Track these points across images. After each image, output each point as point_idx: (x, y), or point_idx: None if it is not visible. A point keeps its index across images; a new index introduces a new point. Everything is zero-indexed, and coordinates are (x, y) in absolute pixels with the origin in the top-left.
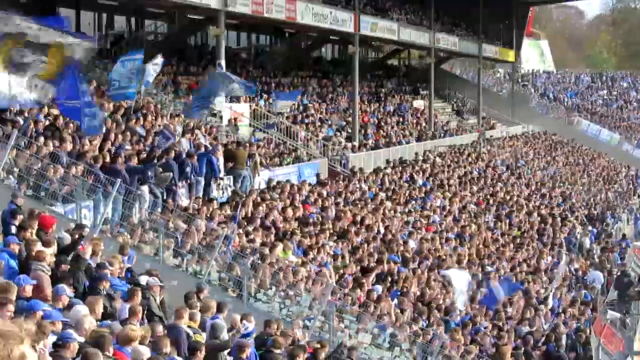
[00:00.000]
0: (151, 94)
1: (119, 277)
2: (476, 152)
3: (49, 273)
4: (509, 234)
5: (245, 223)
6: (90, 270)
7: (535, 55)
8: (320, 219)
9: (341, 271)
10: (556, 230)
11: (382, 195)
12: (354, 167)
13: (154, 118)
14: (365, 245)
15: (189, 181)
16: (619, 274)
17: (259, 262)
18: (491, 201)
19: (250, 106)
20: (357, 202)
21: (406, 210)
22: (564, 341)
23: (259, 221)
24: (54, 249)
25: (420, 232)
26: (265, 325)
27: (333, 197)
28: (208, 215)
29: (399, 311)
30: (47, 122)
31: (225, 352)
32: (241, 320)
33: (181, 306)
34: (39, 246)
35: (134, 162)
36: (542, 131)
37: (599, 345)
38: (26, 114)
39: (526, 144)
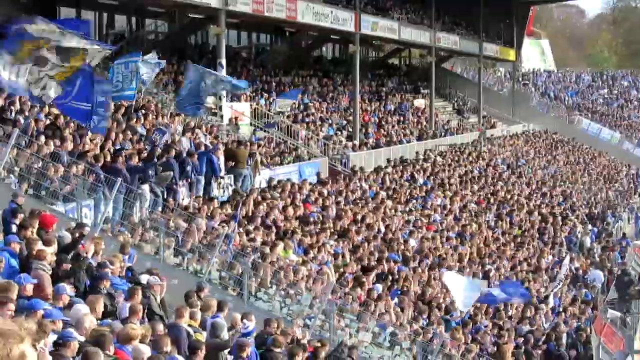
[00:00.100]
0: (152, 93)
1: (119, 276)
2: (477, 151)
3: (50, 272)
4: (510, 232)
5: (246, 222)
6: (91, 269)
7: (536, 54)
8: (320, 218)
9: (341, 270)
10: (557, 229)
11: (383, 194)
12: (355, 166)
13: (154, 117)
14: (366, 244)
15: (189, 180)
16: (619, 273)
17: (260, 261)
18: (492, 200)
19: (250, 105)
20: (358, 201)
21: (407, 209)
22: (564, 340)
23: (259, 220)
24: (54, 248)
25: (421, 231)
26: (265, 324)
27: (334, 196)
28: (209, 214)
29: (399, 310)
30: (48, 121)
31: (226, 351)
32: (242, 319)
33: (182, 305)
34: (39, 245)
35: (135, 161)
36: (542, 130)
37: (600, 344)
38: (27, 113)
39: (527, 142)
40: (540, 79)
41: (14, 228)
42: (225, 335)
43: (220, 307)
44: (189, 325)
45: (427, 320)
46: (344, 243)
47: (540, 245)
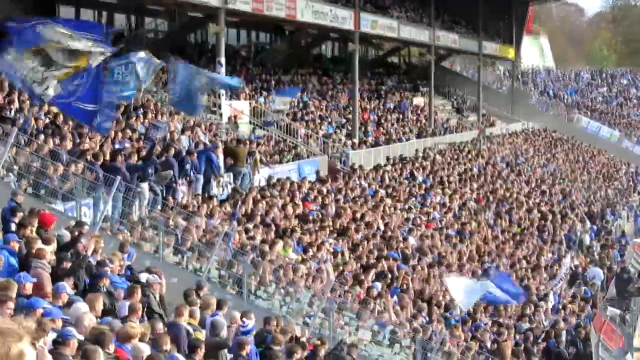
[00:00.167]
0: (151, 92)
1: (119, 274)
2: (476, 149)
3: (49, 271)
4: (509, 230)
5: (245, 220)
6: (91, 268)
7: (535, 52)
8: (320, 216)
9: (341, 268)
10: (556, 227)
11: (382, 192)
12: (354, 164)
13: (153, 116)
14: (365, 242)
15: (188, 178)
16: (618, 270)
17: (259, 259)
18: (491, 198)
19: (250, 104)
20: (357, 199)
21: (406, 207)
22: (564, 337)
23: (259, 218)
24: (53, 246)
25: (420, 229)
26: (264, 323)
27: (333, 194)
28: (208, 213)
29: (398, 308)
30: (47, 120)
31: (225, 349)
32: (241, 317)
33: (181, 304)
34: (39, 244)
35: (134, 159)
36: (542, 128)
37: (599, 341)
38: (26, 112)
39: (526, 141)
40: (539, 77)
41: (13, 227)
42: (224, 333)
43: (219, 306)
44: (189, 324)
45: (427, 318)
46: (344, 241)
47: (540, 243)
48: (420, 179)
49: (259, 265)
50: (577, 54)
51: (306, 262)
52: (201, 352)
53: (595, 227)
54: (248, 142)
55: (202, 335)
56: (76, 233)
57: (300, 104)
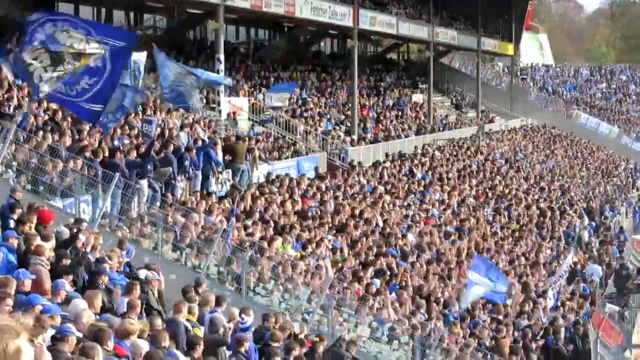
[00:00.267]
0: (150, 88)
1: (117, 271)
2: (475, 146)
3: (48, 267)
4: (508, 227)
5: (244, 217)
6: (89, 265)
7: (534, 48)
8: (319, 212)
9: (340, 265)
10: (555, 223)
11: (381, 188)
12: (353, 161)
13: (152, 112)
14: (364, 239)
15: (187, 175)
16: (617, 267)
17: (258, 256)
18: (490, 194)
19: (249, 100)
20: (356, 195)
21: (405, 203)
22: (562, 334)
23: (257, 215)
24: (52, 243)
25: (419, 226)
26: (263, 319)
27: (332, 191)
28: (207, 209)
29: (397, 305)
30: (47, 117)
31: (224, 346)
32: (240, 314)
33: (180, 300)
34: (38, 240)
35: (133, 156)
36: (541, 124)
37: (598, 338)
38: (25, 109)
39: (525, 137)
40: (538, 74)
41: (12, 223)
42: (224, 329)
43: (218, 302)
44: (187, 320)
45: (426, 315)
46: (343, 238)
47: (539, 240)
48: (419, 175)
49: (257, 261)
50: (576, 50)
51: (305, 259)
52: (200, 348)
53: (594, 224)
54: (247, 138)
55: (200, 331)
56: (75, 230)
57: (299, 101)
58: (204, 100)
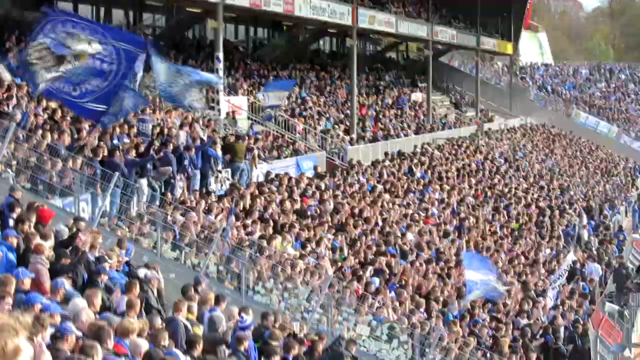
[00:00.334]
0: (149, 87)
1: (117, 270)
2: (474, 145)
3: (48, 266)
4: (508, 226)
5: (244, 216)
6: (89, 264)
7: (533, 47)
8: (318, 211)
9: (339, 264)
10: (554, 222)
11: (381, 187)
12: (352, 160)
13: (152, 111)
14: (364, 237)
15: (186, 174)
16: (617, 266)
17: (257, 254)
18: (489, 194)
19: (248, 99)
20: (356, 194)
21: (404, 202)
22: (562, 333)
23: (257, 214)
24: (51, 241)
25: (419, 225)
26: (262, 318)
27: (331, 190)
28: (206, 208)
29: (397, 303)
30: (46, 116)
31: (223, 345)
32: (239, 313)
33: (179, 299)
34: (37, 239)
35: (132, 155)
36: (540, 123)
37: (597, 337)
38: (24, 108)
39: (524, 136)
40: (538, 73)
41: (11, 222)
42: (223, 328)
43: (217, 301)
44: (187, 319)
45: (425, 314)
46: (342, 237)
47: (538, 239)
48: (418, 174)
49: (257, 260)
50: (575, 49)
51: (304, 258)
52: (199, 347)
53: (593, 223)
54: (246, 137)
55: (200, 330)
56: (74, 229)
57: (299, 100)
58: (203, 100)
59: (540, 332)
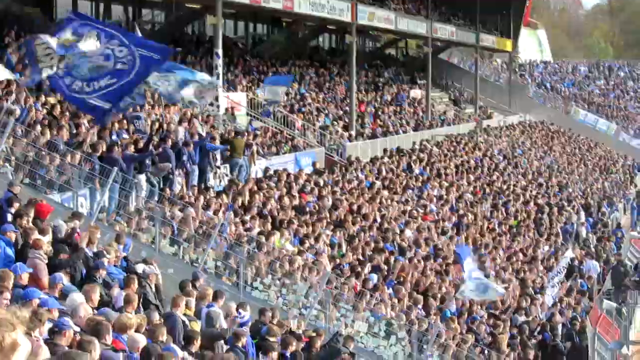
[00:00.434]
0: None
1: (115, 265)
2: (473, 142)
3: (46, 261)
4: (506, 223)
5: (242, 212)
6: (87, 259)
7: (533, 45)
8: (317, 207)
9: (337, 260)
10: (553, 219)
11: (379, 184)
12: (351, 156)
13: (150, 107)
14: (362, 234)
15: (185, 170)
16: (615, 263)
17: (256, 250)
18: (488, 190)
19: (247, 95)
20: (354, 191)
21: (403, 199)
22: (559, 330)
23: (255, 210)
24: (49, 237)
25: (417, 222)
26: (259, 314)
27: (330, 186)
28: (205, 204)
29: (395, 300)
30: (45, 111)
31: (221, 341)
32: (237, 308)
33: (178, 295)
34: (36, 234)
35: (131, 150)
36: (539, 121)
37: (595, 334)
38: (22, 103)
39: (523, 133)
40: (537, 70)
41: (10, 217)
42: (222, 324)
43: (215, 297)
44: (184, 315)
45: (423, 311)
46: (340, 233)
47: (536, 236)
48: (417, 171)
49: (255, 256)
50: (574, 47)
51: (302, 254)
52: (197, 343)
53: (591, 220)
54: (245, 133)
55: (198, 325)
56: (73, 224)
57: (298, 96)
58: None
59: (538, 329)
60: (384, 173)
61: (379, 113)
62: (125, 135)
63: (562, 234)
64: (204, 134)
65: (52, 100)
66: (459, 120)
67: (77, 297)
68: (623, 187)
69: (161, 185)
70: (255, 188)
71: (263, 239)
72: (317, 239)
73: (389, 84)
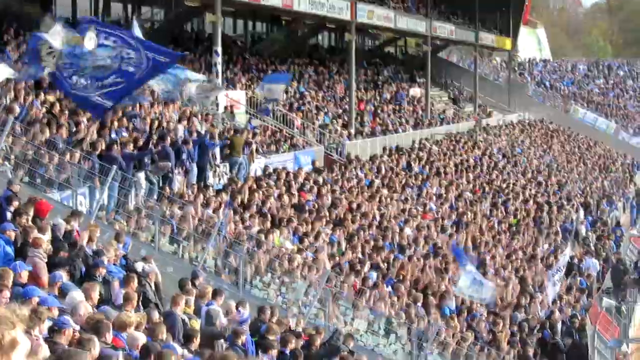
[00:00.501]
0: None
1: (114, 264)
2: (472, 140)
3: (45, 260)
4: (505, 221)
5: (242, 210)
6: (87, 257)
7: (532, 43)
8: (316, 206)
9: (337, 259)
10: (552, 218)
11: (378, 182)
12: (350, 155)
13: (149, 105)
14: (361, 232)
15: (184, 168)
16: (615, 261)
17: (255, 249)
18: (487, 189)
19: (246, 93)
20: (353, 189)
21: (402, 197)
22: (559, 328)
23: (255, 208)
24: (48, 235)
25: (417, 220)
26: (258, 312)
27: (329, 185)
28: (204, 202)
29: (394, 298)
30: (44, 109)
31: (221, 339)
32: (237, 307)
33: (178, 293)
34: (35, 233)
35: (130, 148)
36: (538, 119)
37: (595, 332)
38: (21, 101)
39: (522, 132)
40: (536, 69)
41: (9, 215)
42: (222, 321)
43: (215, 295)
44: (184, 313)
45: (423, 309)
46: (340, 231)
47: (536, 234)
48: (416, 169)
49: (254, 254)
50: (574, 45)
51: (302, 252)
52: (197, 341)
53: (591, 218)
54: (246, 131)
55: (197, 323)
56: (72, 223)
57: (297, 94)
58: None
59: (538, 327)
60: (383, 171)
61: (379, 111)
62: (124, 134)
63: (562, 232)
64: (203, 132)
65: (51, 98)
66: (459, 118)
67: (76, 295)
68: (622, 185)
69: (160, 184)
70: (255, 186)
71: (262, 237)
72: (316, 237)
73: (388, 82)
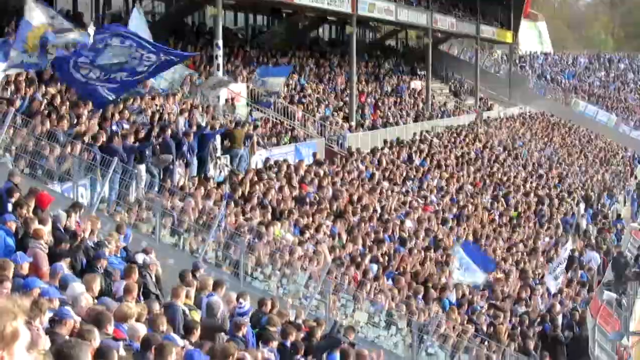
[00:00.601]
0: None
1: (115, 255)
2: (473, 133)
3: (46, 251)
4: (506, 214)
5: (242, 202)
6: (88, 249)
7: (533, 36)
8: (317, 198)
9: (338, 251)
10: (553, 211)
11: (379, 175)
12: (351, 147)
13: (150, 98)
14: (362, 224)
15: (185, 160)
16: (615, 254)
17: (256, 240)
18: (488, 182)
19: (247, 86)
20: (354, 181)
21: (403, 190)
22: (560, 321)
23: (255, 200)
24: (49, 226)
25: (417, 212)
26: (259, 304)
27: (330, 177)
28: (205, 194)
29: (395, 290)
30: (45, 101)
31: (222, 332)
32: (237, 298)
33: (178, 285)
34: (36, 224)
35: (131, 140)
36: (539, 112)
37: (595, 325)
38: (23, 93)
39: (523, 125)
40: (537, 61)
41: (10, 207)
42: (222, 313)
43: (216, 287)
44: (185, 304)
45: (423, 301)
46: (341, 223)
47: (537, 227)
48: (417, 162)
49: (255, 246)
50: (575, 38)
51: (303, 244)
52: (197, 332)
53: (591, 211)
54: (247, 124)
55: (198, 314)
56: (73, 214)
57: (298, 87)
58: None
59: (539, 320)
60: (384, 164)
61: (379, 104)
62: (125, 126)
63: (563, 225)
64: (203, 124)
65: (52, 90)
66: (459, 111)
67: (77, 286)
68: (623, 178)
69: (161, 176)
70: (256, 178)
71: (263, 229)
72: (317, 230)
73: (389, 75)
